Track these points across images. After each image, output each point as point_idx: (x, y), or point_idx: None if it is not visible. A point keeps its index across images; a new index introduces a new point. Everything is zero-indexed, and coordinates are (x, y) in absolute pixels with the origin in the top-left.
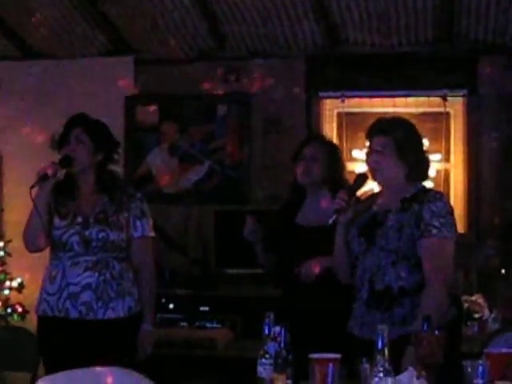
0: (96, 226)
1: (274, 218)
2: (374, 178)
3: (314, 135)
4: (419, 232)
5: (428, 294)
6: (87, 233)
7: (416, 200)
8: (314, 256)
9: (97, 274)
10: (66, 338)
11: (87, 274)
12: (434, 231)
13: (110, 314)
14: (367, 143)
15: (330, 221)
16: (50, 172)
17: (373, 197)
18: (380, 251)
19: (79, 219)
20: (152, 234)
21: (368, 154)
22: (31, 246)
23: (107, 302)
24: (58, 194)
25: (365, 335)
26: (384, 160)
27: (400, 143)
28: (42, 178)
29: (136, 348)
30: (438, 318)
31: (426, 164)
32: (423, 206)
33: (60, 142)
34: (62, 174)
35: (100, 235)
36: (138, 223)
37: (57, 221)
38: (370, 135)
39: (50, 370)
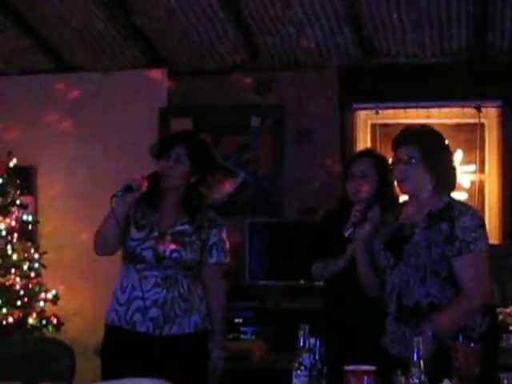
0: (171, 245)
1: (319, 229)
2: (402, 189)
3: (364, 151)
4: (454, 249)
5: (462, 300)
6: (161, 249)
7: (443, 217)
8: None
9: (165, 292)
10: (129, 349)
11: (156, 290)
12: (471, 246)
13: (176, 330)
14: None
15: (347, 234)
16: (135, 184)
17: (399, 207)
18: (407, 268)
19: (155, 233)
20: (227, 260)
21: (394, 165)
22: (100, 251)
23: (173, 318)
24: (142, 203)
25: (395, 352)
26: (411, 170)
27: (427, 153)
28: (127, 189)
29: (200, 365)
30: (453, 325)
31: (453, 174)
32: (454, 223)
33: (159, 153)
34: (146, 187)
35: (173, 255)
36: (215, 250)
37: (133, 231)
38: (396, 145)
39: (106, 379)
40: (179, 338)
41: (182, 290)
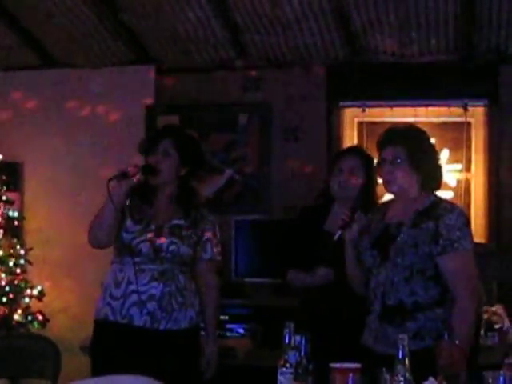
0: (168, 237)
1: (296, 224)
2: (388, 190)
3: (352, 148)
4: (439, 248)
5: (460, 309)
6: (158, 242)
7: (429, 215)
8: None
9: (162, 285)
10: (123, 344)
11: (153, 284)
12: (456, 245)
13: (172, 326)
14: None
15: (336, 237)
16: (130, 171)
17: (385, 206)
18: (394, 267)
19: (152, 227)
20: (219, 258)
21: (380, 165)
22: (97, 242)
23: (170, 312)
24: (135, 197)
25: (379, 349)
26: (397, 170)
27: (413, 152)
28: (122, 175)
29: (194, 360)
30: (472, 332)
31: (439, 173)
32: (438, 222)
33: (147, 149)
34: (141, 177)
35: (171, 247)
36: (209, 246)
37: (129, 224)
38: (381, 145)
39: (98, 375)
40: (175, 333)
41: (178, 284)
